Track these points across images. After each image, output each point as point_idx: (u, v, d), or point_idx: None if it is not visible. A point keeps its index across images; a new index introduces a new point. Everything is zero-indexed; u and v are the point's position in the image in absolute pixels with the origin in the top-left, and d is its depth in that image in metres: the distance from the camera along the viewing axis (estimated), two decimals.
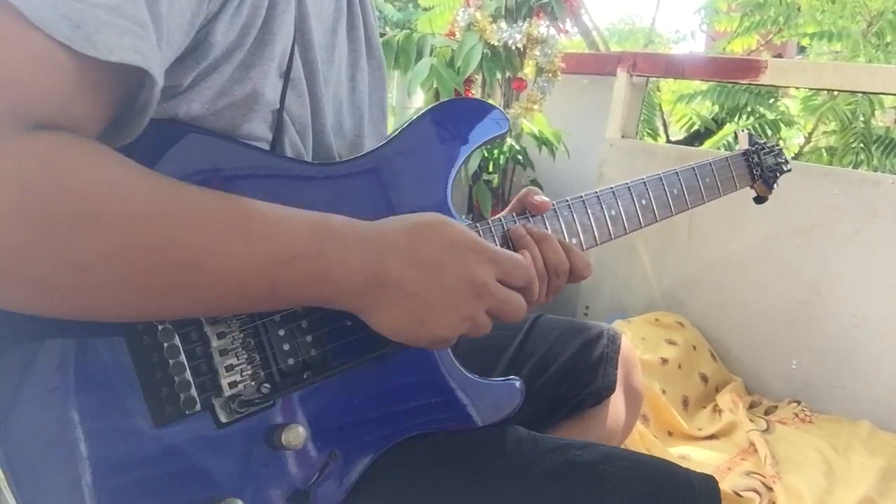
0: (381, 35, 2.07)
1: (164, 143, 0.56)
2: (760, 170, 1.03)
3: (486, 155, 1.97)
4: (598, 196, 0.81)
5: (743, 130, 1.09)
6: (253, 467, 0.57)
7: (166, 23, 0.50)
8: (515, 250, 0.71)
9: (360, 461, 0.64)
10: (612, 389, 0.92)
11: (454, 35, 2.00)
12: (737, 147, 1.04)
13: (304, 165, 0.66)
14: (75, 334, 0.51)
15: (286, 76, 0.65)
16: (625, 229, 0.83)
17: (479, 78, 2.07)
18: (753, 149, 1.03)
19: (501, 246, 0.73)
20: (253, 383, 0.58)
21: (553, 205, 0.78)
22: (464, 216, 0.74)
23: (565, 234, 0.77)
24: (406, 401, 0.68)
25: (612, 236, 0.82)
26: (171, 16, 0.50)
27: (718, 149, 3.17)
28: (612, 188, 0.82)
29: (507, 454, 0.69)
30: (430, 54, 2.02)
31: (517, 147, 2.00)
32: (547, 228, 0.76)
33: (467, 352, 0.74)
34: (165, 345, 0.54)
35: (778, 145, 1.08)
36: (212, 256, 0.49)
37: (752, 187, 1.05)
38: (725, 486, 1.39)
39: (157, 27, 0.48)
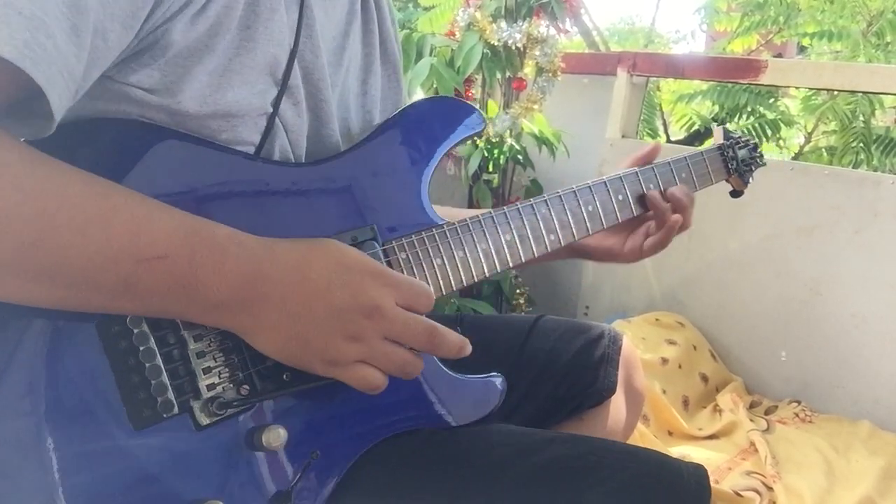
0: None
1: (132, 145, 0.57)
2: (735, 163, 1.04)
3: (486, 155, 1.97)
4: (574, 192, 0.82)
5: (717, 125, 1.11)
6: (234, 469, 0.57)
7: (95, 15, 0.49)
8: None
9: (341, 460, 0.64)
10: (612, 390, 0.92)
11: (454, 35, 2.00)
12: (712, 141, 1.05)
13: (278, 168, 0.66)
14: (51, 336, 0.51)
15: (283, 84, 0.64)
16: (602, 225, 0.84)
17: (479, 78, 2.07)
18: (728, 143, 1.04)
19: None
20: (231, 385, 0.57)
21: (531, 201, 0.79)
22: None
23: (543, 230, 0.78)
24: (386, 399, 0.67)
25: (590, 232, 0.83)
26: (104, 8, 0.50)
27: None
28: (588, 184, 0.83)
29: (494, 448, 0.69)
30: (430, 54, 2.02)
31: (517, 147, 2.00)
32: (525, 225, 0.77)
33: (463, 362, 0.74)
34: (141, 348, 0.54)
35: (752, 139, 1.09)
36: (58, 238, 0.48)
37: (727, 181, 1.06)
38: (725, 485, 1.39)
39: (78, 15, 0.48)
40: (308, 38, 0.66)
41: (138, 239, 0.51)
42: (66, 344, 0.52)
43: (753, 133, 3.11)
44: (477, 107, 0.78)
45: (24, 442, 0.49)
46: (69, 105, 0.51)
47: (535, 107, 1.99)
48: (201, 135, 0.60)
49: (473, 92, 2.10)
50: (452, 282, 0.72)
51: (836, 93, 2.80)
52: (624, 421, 0.98)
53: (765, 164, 1.09)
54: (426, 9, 2.62)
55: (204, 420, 0.56)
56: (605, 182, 0.85)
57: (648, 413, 1.60)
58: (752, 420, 1.66)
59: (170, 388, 0.55)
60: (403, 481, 0.66)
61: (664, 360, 1.74)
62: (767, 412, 1.75)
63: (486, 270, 0.74)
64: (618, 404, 0.95)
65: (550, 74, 1.99)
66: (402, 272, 0.69)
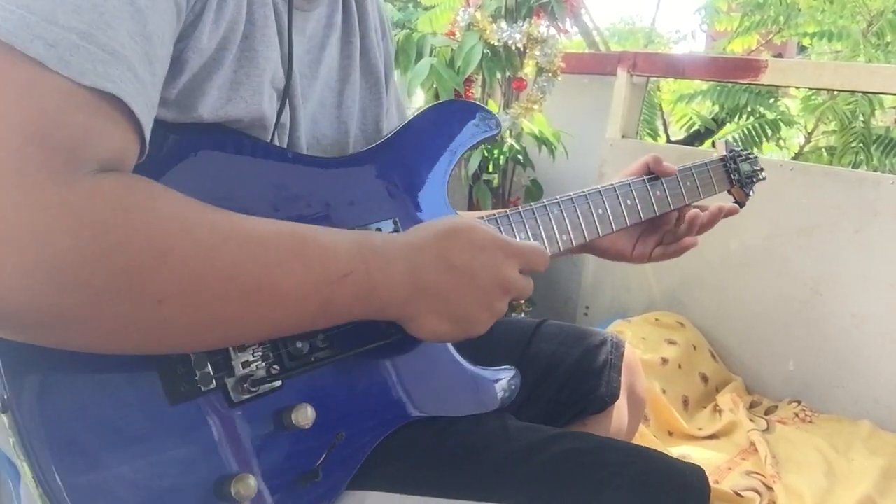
0: None
1: (187, 149, 0.59)
2: (738, 175, 1.08)
3: (486, 155, 1.98)
4: (585, 196, 0.86)
5: (721, 139, 1.17)
6: (264, 445, 0.59)
7: (157, 40, 0.50)
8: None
9: (366, 442, 0.66)
10: (615, 397, 0.92)
11: (454, 35, 2.00)
12: (714, 154, 1.10)
13: (308, 161, 0.69)
14: None
15: (285, 90, 0.67)
16: (611, 227, 0.88)
17: (479, 78, 2.07)
18: (730, 155, 1.09)
19: None
20: (264, 364, 0.60)
21: (544, 202, 0.82)
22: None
23: (556, 231, 0.81)
24: (411, 386, 0.70)
25: (600, 234, 0.87)
26: (158, 33, 0.51)
27: None
28: (598, 188, 0.88)
29: (511, 440, 0.71)
30: (430, 54, 2.02)
31: (517, 147, 2.00)
32: (539, 224, 0.80)
33: (469, 355, 0.76)
34: None
35: (753, 153, 1.14)
36: (272, 280, 0.52)
37: (729, 192, 1.10)
38: (726, 485, 1.39)
39: (146, 45, 0.49)
40: (285, 44, 0.68)
41: (329, 263, 0.56)
42: None
43: (754, 133, 3.11)
44: (493, 113, 0.82)
45: (64, 411, 0.50)
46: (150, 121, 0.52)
47: (536, 107, 1.99)
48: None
49: (473, 92, 2.10)
50: None
51: (836, 93, 2.80)
52: (626, 426, 0.99)
53: (765, 179, 1.14)
54: (426, 9, 2.62)
55: (236, 397, 0.58)
56: (614, 188, 0.89)
57: (648, 413, 1.60)
58: (752, 420, 1.66)
59: (209, 363, 0.56)
60: (422, 468, 0.67)
61: (664, 360, 1.74)
62: (767, 412, 1.75)
63: None
64: (620, 410, 0.96)
65: (550, 74, 1.99)
66: None
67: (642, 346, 1.76)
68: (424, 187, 0.76)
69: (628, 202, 0.90)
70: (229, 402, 0.57)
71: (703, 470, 0.71)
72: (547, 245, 0.81)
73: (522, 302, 2.07)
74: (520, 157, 2.02)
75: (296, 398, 0.61)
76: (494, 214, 0.77)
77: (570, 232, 0.83)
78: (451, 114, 0.80)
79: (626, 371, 0.95)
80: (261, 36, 0.64)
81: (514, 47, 1.95)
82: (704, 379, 1.81)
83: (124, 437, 0.52)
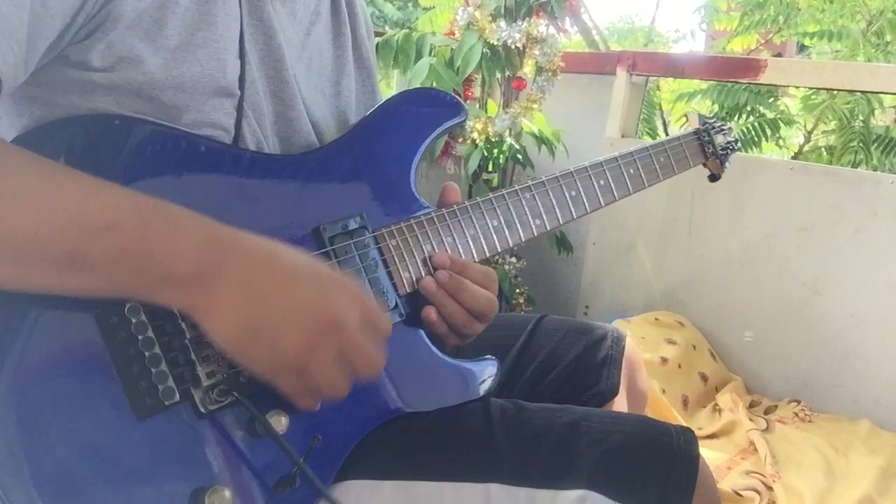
0: (381, 34, 2.07)
1: (118, 141, 0.57)
2: (712, 147, 1.06)
3: (486, 154, 1.97)
4: (557, 178, 0.84)
5: (693, 112, 1.16)
6: (237, 455, 0.58)
7: None
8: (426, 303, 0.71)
9: (344, 444, 0.65)
10: (614, 393, 0.92)
11: (454, 34, 2.00)
12: (687, 128, 1.09)
13: (266, 159, 0.67)
14: (48, 328, 0.51)
15: (241, 59, 0.65)
16: (585, 208, 0.87)
17: (478, 77, 2.07)
18: (703, 128, 1.06)
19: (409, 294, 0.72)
20: (231, 372, 0.58)
21: (516, 187, 0.80)
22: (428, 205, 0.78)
23: (529, 216, 0.80)
24: (388, 383, 0.69)
25: (574, 216, 0.85)
26: None
27: None
28: (570, 169, 0.86)
29: (494, 422, 0.70)
30: (430, 54, 2.02)
31: (517, 146, 2.00)
32: (511, 210, 0.79)
33: (470, 352, 0.75)
34: (140, 337, 0.54)
35: (727, 124, 1.11)
36: (20, 209, 0.47)
37: (705, 165, 1.08)
38: (725, 485, 1.39)
39: None
40: (258, 19, 0.67)
41: (86, 208, 0.49)
42: (64, 335, 0.52)
43: (753, 132, 3.11)
44: (458, 98, 0.80)
45: (24, 435, 0.49)
46: (19, 73, 0.51)
47: (535, 106, 1.98)
48: (170, 117, 0.60)
49: (473, 91, 2.10)
50: None
51: (835, 92, 2.80)
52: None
53: (740, 148, 1.12)
54: (426, 8, 2.62)
55: (204, 408, 0.56)
56: (586, 167, 0.87)
57: (648, 412, 1.60)
58: (751, 419, 1.66)
59: (170, 376, 0.55)
60: (405, 458, 0.67)
61: (664, 360, 1.74)
62: (767, 412, 1.75)
63: (475, 255, 0.76)
64: (620, 405, 0.95)
65: (550, 74, 1.99)
66: (394, 259, 0.70)
67: (642, 346, 1.76)
68: (391, 179, 0.74)
69: (601, 182, 0.88)
70: (197, 413, 0.56)
71: (691, 431, 0.71)
72: (520, 230, 0.80)
73: (522, 301, 2.07)
74: (519, 156, 2.02)
75: (267, 405, 0.59)
76: (466, 203, 0.76)
77: (544, 216, 0.81)
78: (414, 103, 0.78)
79: (627, 366, 0.95)
80: (223, 4, 0.63)
81: (513, 47, 1.95)
82: (704, 378, 1.81)
83: (94, 455, 0.51)
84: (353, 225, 0.68)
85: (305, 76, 0.75)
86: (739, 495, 1.36)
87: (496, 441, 0.68)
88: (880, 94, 2.72)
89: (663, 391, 1.66)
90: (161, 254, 0.51)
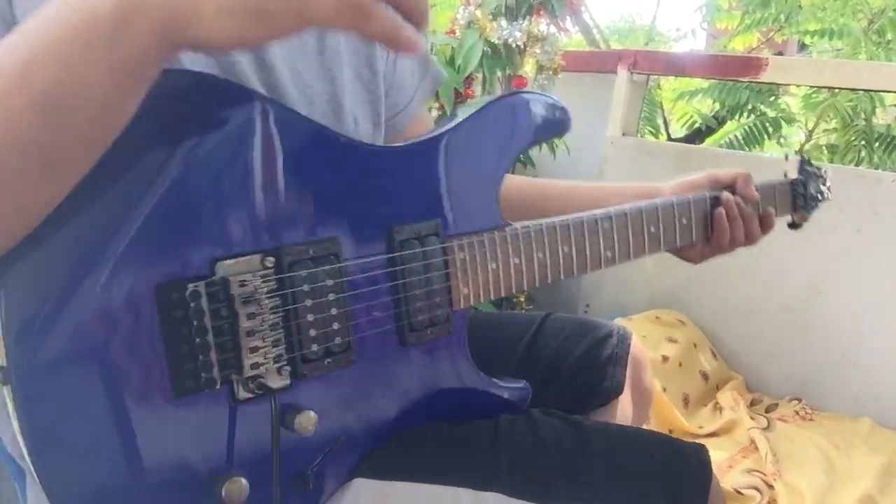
0: None
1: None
2: (804, 200, 1.00)
3: None
4: (641, 211, 0.80)
5: (794, 155, 1.04)
6: (260, 446, 0.57)
7: None
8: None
9: (362, 448, 0.65)
10: (619, 391, 0.92)
11: (454, 33, 2.00)
12: (785, 171, 1.01)
13: (359, 146, 0.64)
14: (106, 293, 0.51)
15: None
16: (660, 247, 0.83)
17: (479, 76, 2.07)
18: (801, 179, 1.00)
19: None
20: (275, 366, 0.57)
21: (596, 214, 0.76)
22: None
23: (602, 247, 0.77)
24: (419, 395, 0.68)
25: (647, 253, 0.81)
26: None
27: (720, 146, 3.17)
28: (657, 203, 0.81)
29: (501, 432, 0.69)
30: (431, 52, 2.02)
31: None
32: (585, 238, 0.75)
33: (474, 350, 0.74)
34: (195, 321, 0.53)
35: (825, 168, 1.03)
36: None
37: (791, 216, 1.02)
38: (726, 483, 1.39)
39: None
40: None
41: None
42: (120, 303, 0.51)
43: (755, 131, 3.11)
44: (568, 111, 0.75)
45: (65, 396, 0.49)
46: None
47: None
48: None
49: (474, 90, 2.09)
50: (503, 287, 0.70)
51: (836, 91, 2.80)
52: (631, 420, 0.98)
53: (829, 192, 1.04)
54: None
55: (241, 395, 0.56)
56: (673, 203, 0.84)
57: (649, 410, 1.60)
58: (752, 418, 1.66)
59: (216, 361, 0.55)
60: (407, 463, 0.67)
61: (665, 358, 1.74)
62: (768, 410, 1.75)
63: (536, 280, 0.72)
64: (625, 404, 0.95)
65: (551, 72, 1.98)
66: (458, 273, 0.67)
67: (643, 344, 1.75)
68: (476, 187, 0.70)
69: (684, 221, 0.84)
70: (233, 400, 0.56)
71: (705, 449, 0.69)
72: (589, 261, 0.76)
73: (523, 299, 2.07)
74: (520, 155, 2.02)
75: (300, 401, 0.59)
76: (542, 224, 0.72)
77: (616, 249, 0.77)
78: (514, 110, 0.72)
79: (632, 364, 0.94)
80: None
81: (514, 45, 1.95)
82: (705, 377, 1.81)
83: (123, 425, 0.51)
84: (425, 231, 0.65)
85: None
86: (740, 493, 1.36)
87: (499, 451, 0.67)
88: (882, 93, 2.72)
89: (664, 389, 1.66)
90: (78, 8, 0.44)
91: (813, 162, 1.03)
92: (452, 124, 0.69)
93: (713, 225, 0.87)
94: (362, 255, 0.62)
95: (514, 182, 0.93)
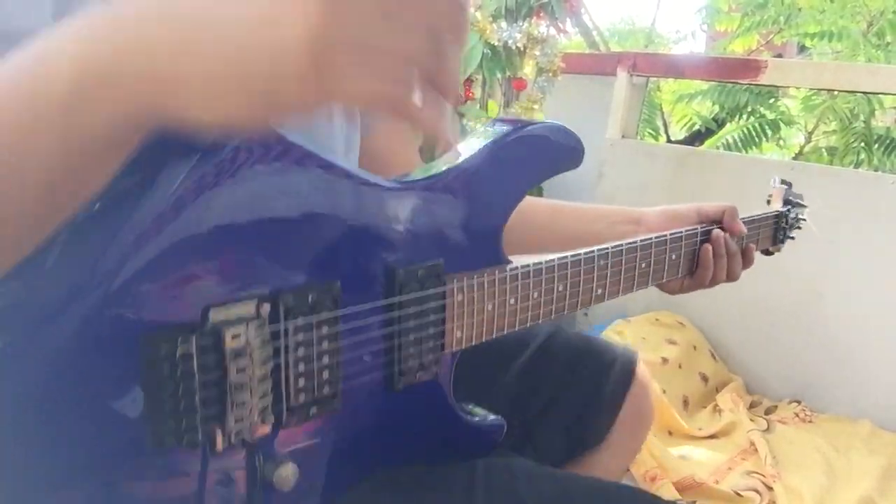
0: None
1: None
2: (783, 234, 0.99)
3: None
4: (637, 247, 0.78)
5: (780, 184, 1.02)
6: (235, 499, 0.54)
7: None
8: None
9: (337, 491, 0.62)
10: (611, 424, 0.90)
11: None
12: (768, 197, 0.99)
13: (359, 184, 0.60)
14: (81, 336, 0.48)
15: None
16: (647, 284, 0.82)
17: (479, 78, 2.07)
18: (785, 211, 0.98)
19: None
20: (259, 419, 0.54)
21: (594, 251, 0.74)
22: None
23: (594, 284, 0.75)
24: (399, 436, 0.65)
25: (634, 290, 0.80)
26: None
27: (720, 148, 3.17)
28: (652, 239, 0.81)
29: (477, 481, 0.67)
30: None
31: None
32: (580, 274, 0.73)
33: (471, 365, 0.72)
34: (182, 383, 0.50)
35: (802, 200, 1.02)
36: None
37: (770, 249, 1.01)
38: (725, 485, 1.39)
39: None
40: None
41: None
42: (100, 347, 0.48)
43: (754, 133, 3.11)
44: (581, 144, 0.72)
45: (31, 438, 0.47)
46: None
47: (536, 107, 1.99)
48: None
49: (474, 92, 2.10)
50: (495, 329, 0.68)
51: (836, 93, 2.80)
52: (627, 448, 0.96)
53: (804, 221, 1.04)
54: None
55: (219, 446, 0.53)
56: (666, 239, 0.83)
57: (647, 434, 1.60)
58: (752, 420, 1.66)
59: (199, 419, 0.51)
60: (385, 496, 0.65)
61: (664, 360, 1.74)
62: (767, 412, 1.75)
63: (528, 320, 0.70)
64: (621, 430, 0.93)
65: (550, 74, 1.99)
66: (453, 316, 0.64)
67: (642, 346, 1.76)
68: (482, 225, 0.66)
69: (673, 257, 0.83)
70: (211, 451, 0.52)
71: None
72: (580, 296, 0.74)
73: None
74: None
75: (279, 450, 0.56)
76: (542, 263, 0.69)
77: (607, 287, 0.76)
78: (529, 147, 0.69)
79: (635, 392, 0.91)
80: None
81: (514, 47, 1.95)
82: (704, 379, 1.81)
83: (90, 478, 0.48)
84: (427, 273, 0.61)
85: None
86: (740, 495, 1.36)
87: (476, 500, 0.65)
88: (881, 95, 2.72)
89: (664, 391, 1.66)
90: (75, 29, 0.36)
91: (794, 190, 1.03)
92: (464, 158, 0.65)
93: (699, 261, 0.87)
94: (362, 300, 0.58)
95: None
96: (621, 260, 0.77)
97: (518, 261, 0.69)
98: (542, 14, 1.97)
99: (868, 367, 1.71)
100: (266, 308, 0.52)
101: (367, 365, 0.60)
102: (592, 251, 0.74)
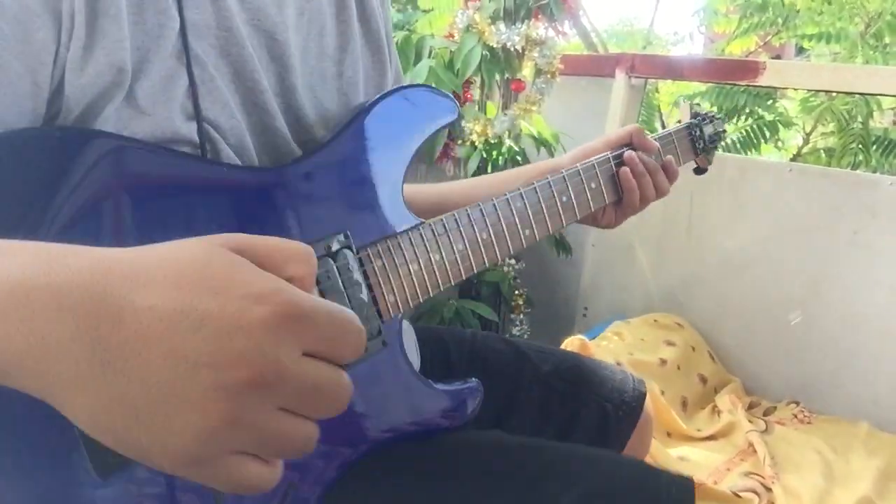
0: None
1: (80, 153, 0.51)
2: (703, 143, 1.01)
3: (485, 156, 1.98)
4: (549, 182, 0.79)
5: (686, 101, 1.09)
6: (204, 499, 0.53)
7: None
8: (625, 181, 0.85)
9: (321, 487, 0.61)
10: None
11: (453, 37, 2.00)
12: (678, 119, 1.05)
13: (238, 172, 0.61)
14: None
15: (188, 67, 0.57)
16: (576, 216, 0.83)
17: (477, 79, 2.07)
18: (696, 121, 1.01)
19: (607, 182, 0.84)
20: None
21: (507, 196, 0.75)
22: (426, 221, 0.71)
23: (518, 226, 0.76)
24: (367, 415, 0.65)
25: (564, 223, 0.82)
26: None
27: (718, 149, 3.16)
28: (563, 173, 0.82)
29: (461, 454, 0.68)
30: (429, 56, 2.02)
31: (516, 148, 2.00)
32: (500, 221, 0.73)
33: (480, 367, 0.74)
34: None
35: (718, 115, 1.06)
36: None
37: (695, 160, 1.03)
38: (724, 486, 1.39)
39: None
40: (197, 8, 0.58)
41: None
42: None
43: (752, 134, 3.12)
44: (450, 95, 0.75)
45: None
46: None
47: (534, 108, 1.99)
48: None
49: (472, 93, 2.10)
50: (429, 286, 0.69)
51: (834, 94, 2.81)
52: None
53: (725, 132, 1.07)
54: (425, 11, 2.62)
55: None
56: (578, 170, 0.83)
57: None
58: (750, 421, 1.66)
59: None
60: (386, 492, 0.65)
61: (663, 361, 1.74)
62: (766, 413, 1.75)
63: (462, 273, 0.71)
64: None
65: (549, 76, 1.99)
66: (379, 282, 0.64)
67: (641, 347, 1.76)
68: (378, 190, 0.67)
69: (593, 185, 0.84)
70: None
71: (688, 482, 0.66)
72: (510, 242, 0.75)
73: (521, 302, 2.07)
74: (518, 158, 2.02)
75: None
76: (454, 214, 0.70)
77: (534, 226, 0.77)
78: (400, 103, 0.70)
79: (639, 428, 0.91)
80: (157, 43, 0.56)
81: (512, 49, 1.95)
82: (703, 380, 1.81)
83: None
84: (335, 245, 0.61)
85: (313, 63, 0.70)
86: (738, 496, 1.36)
87: (461, 474, 0.65)
88: (879, 96, 2.72)
89: (662, 393, 1.66)
90: None
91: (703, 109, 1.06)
92: (339, 131, 0.67)
93: (621, 185, 0.87)
94: None
95: (414, 189, 0.90)
96: (538, 199, 0.78)
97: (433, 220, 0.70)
98: (540, 16, 1.97)
99: (867, 369, 1.71)
100: None
101: None
102: (505, 195, 0.75)
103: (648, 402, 0.94)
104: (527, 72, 2.02)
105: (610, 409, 0.89)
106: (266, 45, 0.64)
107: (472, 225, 0.72)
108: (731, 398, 1.74)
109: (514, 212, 0.75)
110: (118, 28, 0.52)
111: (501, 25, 1.93)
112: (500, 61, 1.98)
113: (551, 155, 2.04)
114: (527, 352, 0.92)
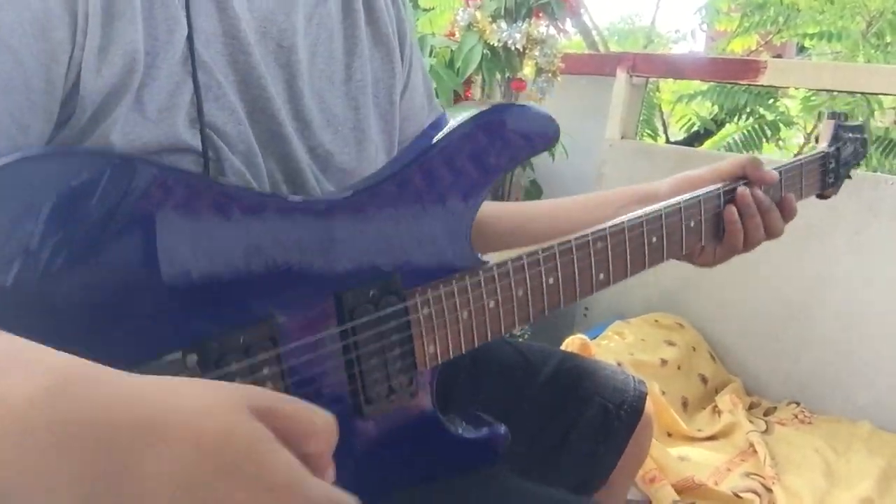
0: None
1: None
2: (834, 176, 0.86)
3: None
4: (642, 222, 0.70)
5: (831, 114, 0.87)
6: None
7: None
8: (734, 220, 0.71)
9: None
10: (613, 466, 0.88)
11: (454, 35, 2.00)
12: (816, 135, 0.93)
13: (284, 203, 0.55)
14: None
15: (194, 77, 0.55)
16: (662, 258, 0.74)
17: (478, 78, 2.07)
18: (834, 150, 0.84)
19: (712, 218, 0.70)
20: None
21: (588, 235, 0.65)
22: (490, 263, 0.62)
23: (593, 270, 0.67)
24: (394, 463, 0.61)
25: (647, 266, 0.73)
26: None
27: (718, 149, 3.17)
28: (661, 210, 0.71)
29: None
30: (430, 55, 2.02)
31: None
32: (574, 262, 0.64)
33: (479, 398, 0.71)
34: None
35: (860, 127, 0.87)
36: None
37: (821, 195, 0.88)
38: (725, 487, 1.39)
39: None
40: (205, 15, 0.57)
41: None
42: None
43: (753, 134, 3.11)
44: (554, 120, 0.65)
45: None
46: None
47: None
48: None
49: (473, 93, 2.10)
50: (476, 338, 0.61)
51: (835, 93, 2.80)
52: (623, 484, 0.96)
53: (865, 153, 0.89)
54: (426, 10, 2.62)
55: None
56: (680, 207, 0.72)
57: (637, 471, 1.60)
58: (751, 421, 1.66)
59: None
60: None
61: (663, 362, 1.74)
62: (766, 413, 1.75)
63: (516, 322, 0.62)
64: (622, 468, 0.91)
65: (550, 75, 1.99)
66: (422, 332, 0.58)
67: (641, 347, 1.76)
68: (441, 230, 0.59)
69: (692, 224, 0.72)
70: None
71: None
72: (578, 287, 0.65)
73: None
74: None
75: None
76: (522, 255, 0.62)
77: (611, 271, 0.67)
78: (488, 130, 0.61)
79: (639, 431, 0.90)
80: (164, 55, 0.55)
81: (513, 48, 1.95)
82: (703, 380, 1.81)
83: None
84: (381, 291, 0.55)
85: (321, 66, 0.69)
86: (739, 497, 1.36)
87: None
88: (880, 96, 2.72)
89: (663, 393, 1.66)
90: None
91: (850, 121, 0.87)
92: (410, 158, 0.59)
93: (725, 225, 0.78)
94: (305, 334, 0.53)
95: (500, 208, 0.86)
96: (624, 239, 0.68)
97: (496, 259, 0.62)
98: (541, 14, 1.97)
99: (867, 368, 1.70)
100: (192, 359, 0.47)
101: (325, 399, 0.54)
102: (586, 234, 0.65)
103: (649, 402, 0.93)
104: (528, 71, 2.02)
105: (612, 408, 0.88)
106: (274, 51, 0.64)
107: (541, 267, 0.62)
108: (732, 398, 1.74)
109: (593, 254, 0.66)
110: (133, 30, 0.52)
111: (502, 24, 1.93)
112: (501, 60, 1.97)
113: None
114: (528, 353, 0.91)
